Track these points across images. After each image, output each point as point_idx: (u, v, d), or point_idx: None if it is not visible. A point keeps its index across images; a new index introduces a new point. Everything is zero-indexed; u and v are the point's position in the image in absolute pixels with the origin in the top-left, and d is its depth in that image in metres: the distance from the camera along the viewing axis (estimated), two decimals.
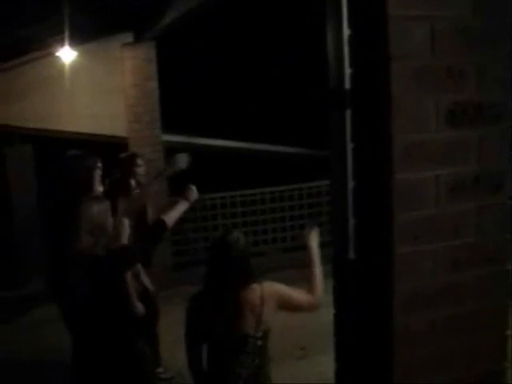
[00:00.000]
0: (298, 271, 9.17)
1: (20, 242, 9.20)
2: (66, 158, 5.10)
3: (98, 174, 5.12)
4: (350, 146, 2.26)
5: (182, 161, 4.79)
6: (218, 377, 3.51)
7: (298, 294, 3.57)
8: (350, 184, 2.27)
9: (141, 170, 6.38)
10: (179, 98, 11.70)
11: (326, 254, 8.86)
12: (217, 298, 3.45)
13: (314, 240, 3.98)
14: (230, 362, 3.43)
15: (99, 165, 5.93)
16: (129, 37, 9.14)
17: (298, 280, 9.00)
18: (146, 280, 5.04)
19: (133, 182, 5.38)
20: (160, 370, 6.11)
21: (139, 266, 5.01)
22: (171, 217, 4.18)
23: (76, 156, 5.09)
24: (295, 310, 3.58)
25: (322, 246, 9.80)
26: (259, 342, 3.41)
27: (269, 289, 3.48)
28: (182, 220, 9.24)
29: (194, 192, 4.53)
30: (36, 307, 8.20)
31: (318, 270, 3.71)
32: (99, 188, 5.02)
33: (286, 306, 3.50)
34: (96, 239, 3.87)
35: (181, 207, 4.37)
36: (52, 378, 6.05)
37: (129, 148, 8.73)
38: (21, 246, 9.18)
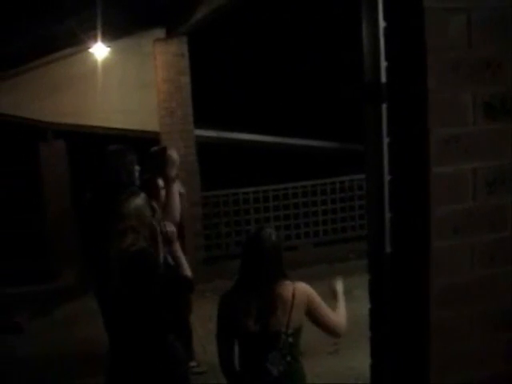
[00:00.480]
0: (329, 266, 9.25)
1: (53, 237, 9.29)
2: (109, 153, 5.15)
3: (137, 168, 5.18)
4: (385, 140, 2.24)
5: None
6: (248, 373, 3.52)
7: (328, 311, 3.57)
8: (386, 178, 2.25)
9: (173, 164, 6.39)
10: (211, 92, 11.71)
11: (358, 249, 8.85)
12: (249, 293, 3.45)
13: (339, 286, 4.03)
14: (261, 358, 3.43)
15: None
16: (161, 32, 9.18)
17: (328, 275, 9.01)
18: (188, 272, 5.05)
19: (160, 181, 5.40)
20: (193, 363, 6.13)
21: (182, 258, 5.04)
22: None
23: (119, 150, 5.14)
24: (320, 323, 3.53)
25: (354, 239, 9.79)
26: (290, 339, 3.41)
27: (301, 289, 3.48)
28: (214, 214, 9.36)
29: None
30: (69, 301, 8.30)
31: (343, 308, 3.73)
32: (137, 181, 5.08)
33: (313, 314, 3.49)
34: (137, 233, 3.89)
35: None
36: (87, 371, 6.11)
37: (161, 143, 8.76)
38: (53, 240, 9.27)
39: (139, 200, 4.04)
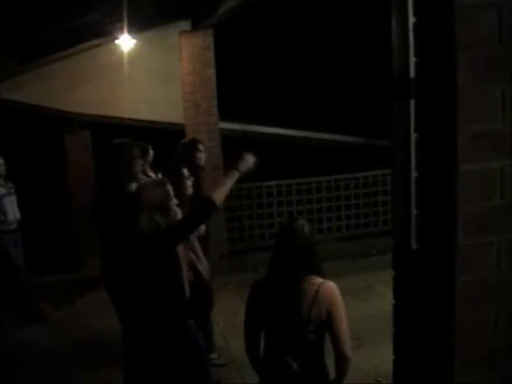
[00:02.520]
0: (351, 261, 9.24)
1: (77, 227, 9.35)
2: (110, 147, 5.16)
3: (139, 163, 5.15)
4: (413, 136, 2.23)
5: (250, 161, 4.53)
6: (272, 365, 3.52)
7: (345, 330, 3.39)
8: (413, 174, 2.24)
9: (202, 155, 6.50)
10: (236, 85, 11.71)
11: (381, 244, 8.79)
12: (278, 284, 3.43)
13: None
14: (283, 351, 3.42)
15: (151, 152, 5.99)
16: (187, 25, 9.19)
17: (350, 270, 8.98)
18: (202, 266, 5.08)
19: (185, 171, 5.42)
20: (214, 356, 6.15)
21: (199, 252, 5.07)
22: (219, 193, 3.95)
23: (120, 145, 5.14)
24: (332, 334, 3.38)
25: (377, 235, 9.75)
26: (311, 336, 3.37)
27: (328, 289, 3.38)
28: (237, 207, 9.37)
29: (246, 161, 4.18)
30: (93, 291, 8.36)
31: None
32: (141, 176, 5.07)
33: (330, 322, 3.36)
34: (157, 216, 3.92)
35: (229, 179, 4.09)
36: (108, 360, 6.16)
37: (186, 135, 8.79)
38: (77, 230, 9.34)
39: (161, 185, 4.08)
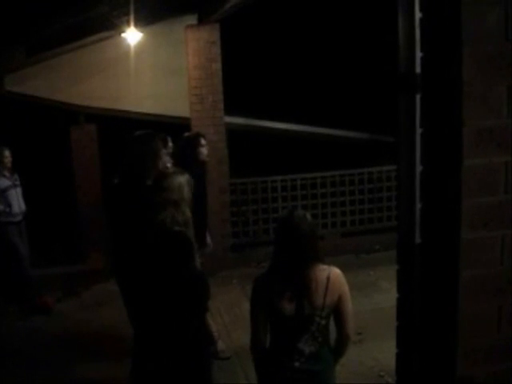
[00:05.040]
0: (355, 257, 9.25)
1: (83, 220, 9.38)
2: (133, 139, 5.17)
3: (165, 152, 5.18)
4: (418, 130, 2.24)
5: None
6: (279, 353, 3.54)
7: (351, 311, 3.49)
8: (418, 169, 2.26)
9: (204, 149, 6.48)
10: (242, 79, 11.71)
11: (385, 240, 8.78)
12: (284, 275, 3.45)
13: None
14: (294, 339, 3.45)
15: (170, 144, 6.00)
16: (193, 19, 9.18)
17: (355, 266, 8.99)
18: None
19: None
20: (212, 348, 6.16)
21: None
22: None
23: (143, 136, 5.16)
24: (340, 317, 3.45)
25: (381, 231, 9.74)
26: (323, 322, 3.41)
27: (337, 274, 3.44)
28: (242, 201, 9.38)
29: None
30: (97, 283, 8.40)
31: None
32: (166, 166, 5.08)
33: (339, 305, 3.42)
34: (177, 207, 4.00)
35: None
36: (112, 353, 6.19)
37: (191, 129, 8.80)
38: (83, 223, 9.36)
39: (183, 178, 4.16)
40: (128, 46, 8.71)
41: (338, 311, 3.46)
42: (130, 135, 5.24)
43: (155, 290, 4.04)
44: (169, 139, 6.80)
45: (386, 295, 6.54)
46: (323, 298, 3.37)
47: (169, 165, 5.33)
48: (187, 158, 6.14)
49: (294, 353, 3.45)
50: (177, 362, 4.07)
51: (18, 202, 7.93)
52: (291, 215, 3.49)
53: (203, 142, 6.48)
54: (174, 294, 4.00)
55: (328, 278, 3.39)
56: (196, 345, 4.12)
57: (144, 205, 4.24)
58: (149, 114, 9.43)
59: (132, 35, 8.42)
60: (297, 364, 3.45)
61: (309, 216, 3.50)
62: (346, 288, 3.48)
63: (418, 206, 2.27)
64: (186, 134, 6.88)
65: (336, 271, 3.47)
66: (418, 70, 2.23)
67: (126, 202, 4.84)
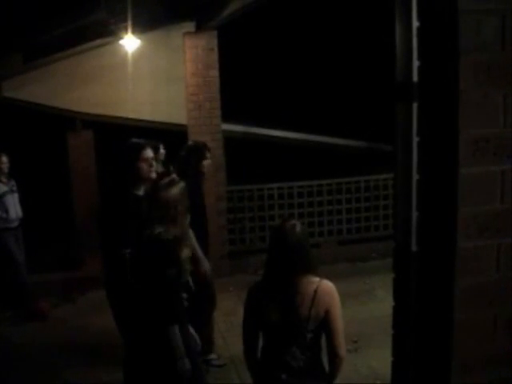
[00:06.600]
0: (351, 265, 9.25)
1: (79, 226, 9.37)
2: (121, 147, 5.15)
3: (152, 164, 5.13)
4: (415, 139, 2.25)
5: None
6: (270, 366, 3.53)
7: (340, 329, 3.43)
8: (415, 177, 2.26)
9: (208, 162, 6.38)
10: (240, 87, 11.72)
11: (381, 248, 8.80)
12: (274, 286, 3.45)
13: None
14: (282, 351, 3.44)
15: (162, 151, 5.95)
16: (191, 26, 9.20)
17: (351, 274, 9.00)
18: (205, 266, 5.08)
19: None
20: (213, 356, 6.17)
21: (199, 253, 5.06)
22: None
23: (134, 145, 5.13)
24: (328, 334, 3.42)
25: (378, 239, 9.77)
26: (310, 335, 3.39)
27: (326, 288, 3.42)
28: (238, 209, 9.38)
29: None
30: (93, 289, 8.37)
31: None
32: (153, 175, 5.05)
33: (328, 322, 3.39)
34: (173, 221, 4.00)
35: None
36: (106, 360, 6.18)
37: (189, 136, 8.80)
38: (80, 229, 9.35)
39: (178, 189, 4.15)
40: (126, 52, 8.72)
41: (326, 328, 3.41)
42: (121, 143, 5.19)
43: (142, 297, 4.04)
44: (161, 146, 6.75)
45: (382, 303, 6.56)
46: (308, 310, 3.34)
47: (155, 173, 5.25)
48: (189, 166, 6.07)
49: (281, 364, 3.43)
50: (158, 371, 4.06)
51: (14, 207, 7.93)
52: (281, 226, 3.50)
53: (209, 155, 6.35)
54: (152, 302, 4.00)
55: (315, 291, 3.36)
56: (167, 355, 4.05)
57: (137, 218, 4.25)
58: (146, 121, 9.43)
59: (130, 42, 8.44)
60: (284, 376, 3.43)
61: (299, 227, 3.48)
62: (335, 303, 3.43)
63: (415, 214, 2.27)
64: (192, 143, 6.75)
65: (326, 285, 3.44)
66: (415, 78, 2.24)
67: (115, 213, 4.83)
